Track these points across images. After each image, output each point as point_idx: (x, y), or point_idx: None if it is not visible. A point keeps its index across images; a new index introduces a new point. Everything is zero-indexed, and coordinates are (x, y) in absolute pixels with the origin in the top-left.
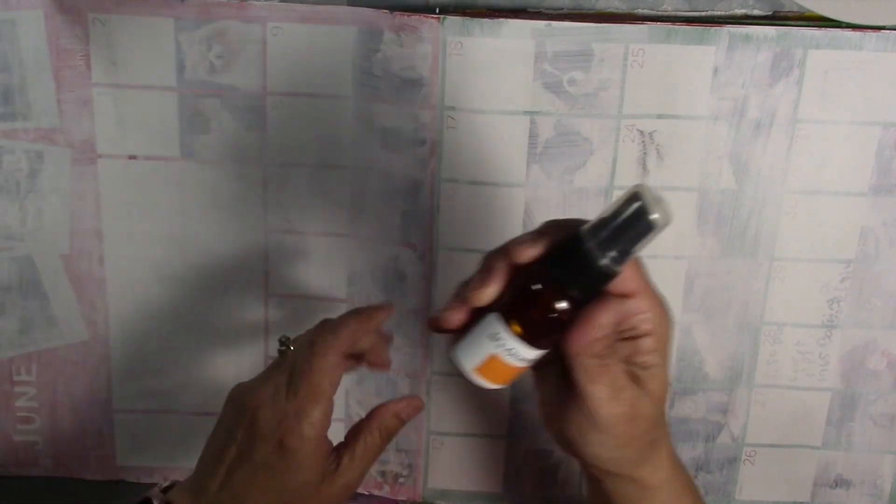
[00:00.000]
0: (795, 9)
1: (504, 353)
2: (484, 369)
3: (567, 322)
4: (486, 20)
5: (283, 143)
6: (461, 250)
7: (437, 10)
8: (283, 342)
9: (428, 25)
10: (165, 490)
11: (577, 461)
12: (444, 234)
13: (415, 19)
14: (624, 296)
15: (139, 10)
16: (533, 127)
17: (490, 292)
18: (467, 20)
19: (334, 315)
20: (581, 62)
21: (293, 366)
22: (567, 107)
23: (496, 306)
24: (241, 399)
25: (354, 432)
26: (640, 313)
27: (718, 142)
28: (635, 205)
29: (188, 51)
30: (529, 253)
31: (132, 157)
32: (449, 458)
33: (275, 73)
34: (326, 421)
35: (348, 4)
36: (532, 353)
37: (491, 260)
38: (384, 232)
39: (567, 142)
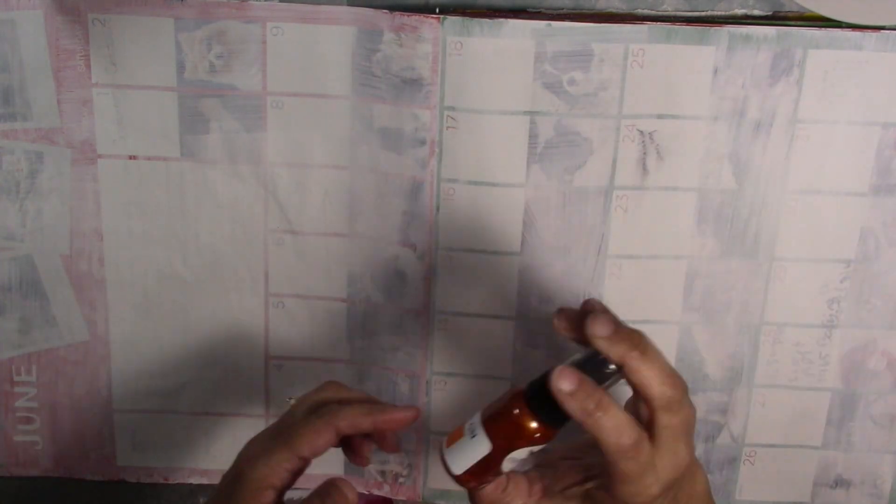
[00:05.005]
0: (795, 9)
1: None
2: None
3: (538, 440)
4: (486, 20)
5: (283, 143)
6: (461, 250)
7: (437, 10)
8: (289, 399)
9: (428, 25)
10: None
11: None
12: (444, 234)
13: (415, 19)
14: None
15: (139, 10)
16: (533, 127)
17: None
18: (467, 20)
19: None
20: (581, 62)
21: (290, 419)
22: (567, 107)
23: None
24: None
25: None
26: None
27: (718, 142)
28: (600, 356)
29: (188, 51)
30: None
31: (132, 157)
32: None
33: (275, 73)
34: (286, 475)
35: (348, 4)
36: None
37: None
38: (384, 232)
39: (567, 142)
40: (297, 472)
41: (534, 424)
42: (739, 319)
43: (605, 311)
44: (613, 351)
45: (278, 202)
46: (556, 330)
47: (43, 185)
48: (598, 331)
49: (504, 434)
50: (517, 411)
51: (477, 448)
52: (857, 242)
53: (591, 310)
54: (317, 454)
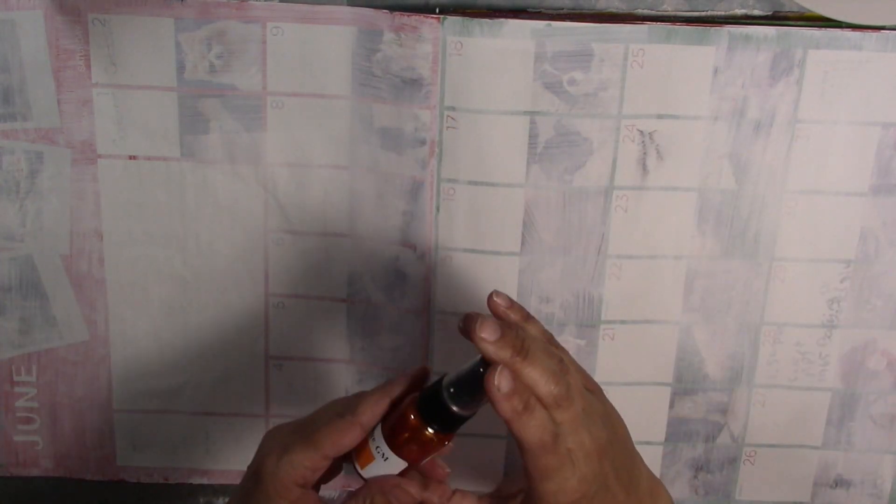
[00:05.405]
0: (795, 9)
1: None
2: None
3: (446, 446)
4: (486, 20)
5: (283, 143)
6: (461, 250)
7: (437, 10)
8: None
9: (428, 25)
10: None
11: None
12: (444, 234)
13: (415, 19)
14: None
15: (139, 10)
16: (533, 127)
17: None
18: (467, 20)
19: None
20: (581, 62)
21: (317, 416)
22: (567, 107)
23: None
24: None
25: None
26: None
27: (718, 142)
28: (482, 368)
29: (188, 51)
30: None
31: (132, 157)
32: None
33: (275, 73)
34: (308, 472)
35: (348, 4)
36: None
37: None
38: (384, 232)
39: (567, 142)
40: (322, 470)
41: (438, 435)
42: (739, 319)
43: (491, 318)
44: (499, 355)
45: (278, 202)
46: (464, 334)
47: (43, 185)
48: (487, 335)
49: (414, 450)
50: (419, 428)
51: (394, 468)
52: (857, 242)
53: (474, 319)
54: (341, 452)
